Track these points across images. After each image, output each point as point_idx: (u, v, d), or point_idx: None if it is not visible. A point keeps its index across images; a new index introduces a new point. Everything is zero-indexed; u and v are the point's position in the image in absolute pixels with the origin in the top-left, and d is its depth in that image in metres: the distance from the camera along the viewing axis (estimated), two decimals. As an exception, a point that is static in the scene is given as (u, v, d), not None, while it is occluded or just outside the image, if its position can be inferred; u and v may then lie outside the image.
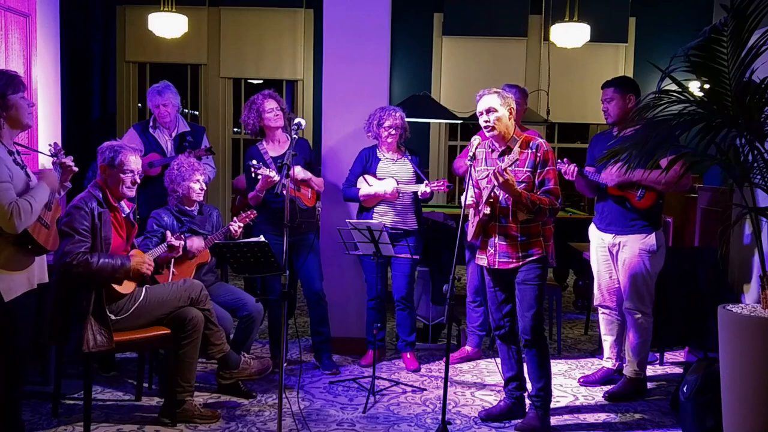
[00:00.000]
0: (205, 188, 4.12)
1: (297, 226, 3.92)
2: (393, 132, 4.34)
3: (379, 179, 4.39)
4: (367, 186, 4.39)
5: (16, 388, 2.97)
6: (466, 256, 4.62)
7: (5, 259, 2.81)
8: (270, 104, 4.26)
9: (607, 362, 4.25)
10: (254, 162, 4.12)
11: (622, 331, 4.17)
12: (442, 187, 4.24)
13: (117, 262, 3.34)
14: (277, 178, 4.03)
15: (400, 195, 4.34)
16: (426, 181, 4.28)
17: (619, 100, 3.95)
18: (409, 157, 4.46)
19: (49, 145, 3.20)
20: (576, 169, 3.97)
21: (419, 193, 4.28)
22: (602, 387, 4.17)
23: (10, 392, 2.93)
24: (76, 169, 3.21)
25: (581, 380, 4.27)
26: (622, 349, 4.20)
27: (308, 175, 4.27)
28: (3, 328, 2.85)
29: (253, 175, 4.11)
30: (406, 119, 4.44)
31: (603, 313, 4.20)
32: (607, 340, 4.22)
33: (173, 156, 4.62)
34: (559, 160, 3.96)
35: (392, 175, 4.38)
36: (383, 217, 4.37)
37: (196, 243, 3.96)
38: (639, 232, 3.92)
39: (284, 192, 3.25)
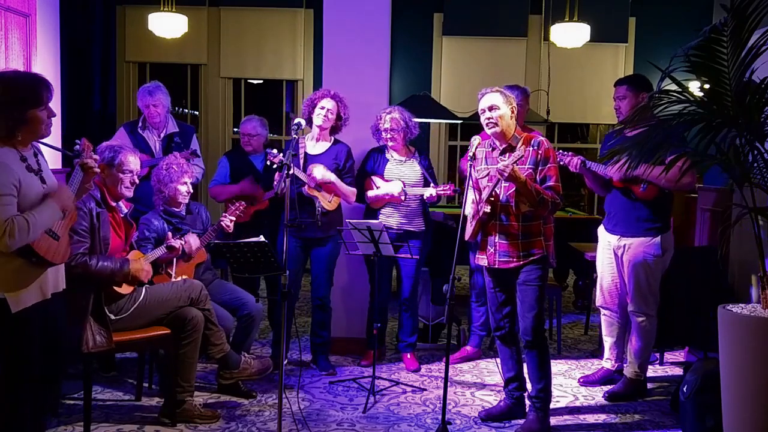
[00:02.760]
0: (192, 191, 4.06)
1: (300, 226, 3.90)
2: (390, 135, 4.33)
3: (387, 181, 4.38)
4: (374, 188, 4.39)
5: (25, 398, 2.76)
6: (470, 257, 4.62)
7: (13, 272, 2.63)
8: (327, 103, 4.20)
9: (607, 363, 4.25)
10: (274, 150, 4.06)
11: (623, 333, 4.17)
12: (449, 191, 4.24)
13: (116, 265, 3.34)
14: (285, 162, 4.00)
15: (407, 197, 4.34)
16: (433, 185, 4.29)
17: (632, 98, 3.92)
18: (418, 159, 4.44)
19: (76, 141, 2.97)
20: (580, 160, 3.95)
21: (425, 196, 4.27)
22: (602, 387, 4.17)
23: (17, 401, 2.74)
24: (98, 170, 2.99)
25: (581, 380, 4.27)
26: (622, 350, 4.20)
27: (330, 179, 4.17)
28: (13, 339, 2.68)
29: (268, 162, 4.05)
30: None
31: (604, 314, 4.20)
32: (608, 341, 4.22)
33: (161, 157, 4.60)
34: (561, 152, 3.95)
35: (400, 176, 4.37)
36: (389, 218, 4.36)
37: (193, 243, 3.91)
38: (644, 235, 3.90)
39: (284, 191, 3.25)
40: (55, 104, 4.76)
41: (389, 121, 4.31)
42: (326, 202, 4.22)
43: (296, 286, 4.41)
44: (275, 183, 4.13)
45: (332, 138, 4.37)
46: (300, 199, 4.09)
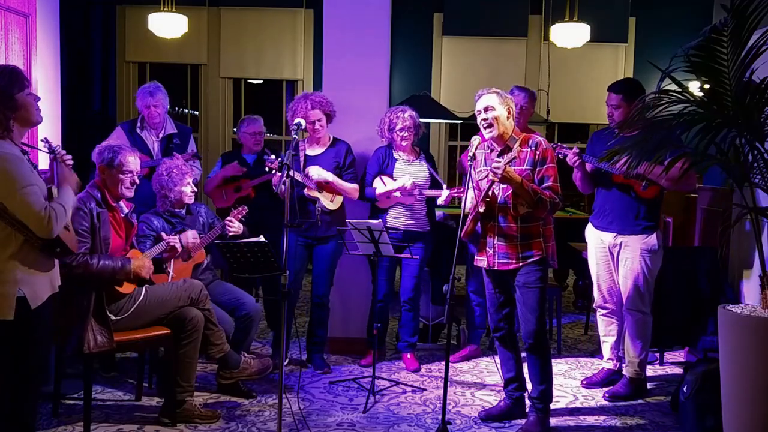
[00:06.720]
0: (196, 190, 4.08)
1: (301, 226, 3.92)
2: (406, 134, 4.33)
3: (395, 180, 4.37)
4: (382, 185, 4.35)
5: (35, 393, 2.83)
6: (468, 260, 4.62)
7: (31, 264, 2.67)
8: (315, 115, 4.20)
9: (608, 363, 4.24)
10: (272, 157, 4.13)
11: (622, 332, 4.17)
12: (462, 193, 4.23)
13: (117, 263, 3.34)
14: (278, 176, 4.05)
15: (418, 197, 4.33)
16: (445, 186, 4.30)
17: (626, 108, 3.90)
18: (424, 160, 4.44)
19: (42, 141, 3.03)
20: (576, 152, 3.95)
21: (442, 200, 4.27)
22: (602, 388, 4.16)
23: (29, 398, 2.78)
24: (70, 163, 3.05)
25: (584, 382, 4.26)
26: (621, 349, 4.20)
27: (327, 178, 4.20)
28: (28, 337, 2.68)
29: (267, 169, 4.12)
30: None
31: (603, 315, 4.19)
32: (607, 342, 4.22)
33: (159, 158, 4.59)
34: (558, 144, 4.01)
35: (410, 176, 4.35)
36: (396, 219, 4.36)
37: (190, 237, 3.87)
38: (641, 232, 3.91)
39: (284, 191, 3.25)
40: (55, 104, 4.80)
41: (408, 119, 4.30)
42: (328, 201, 4.24)
43: (297, 285, 4.43)
44: (274, 186, 4.14)
45: (331, 137, 4.37)
46: (302, 200, 4.12)
